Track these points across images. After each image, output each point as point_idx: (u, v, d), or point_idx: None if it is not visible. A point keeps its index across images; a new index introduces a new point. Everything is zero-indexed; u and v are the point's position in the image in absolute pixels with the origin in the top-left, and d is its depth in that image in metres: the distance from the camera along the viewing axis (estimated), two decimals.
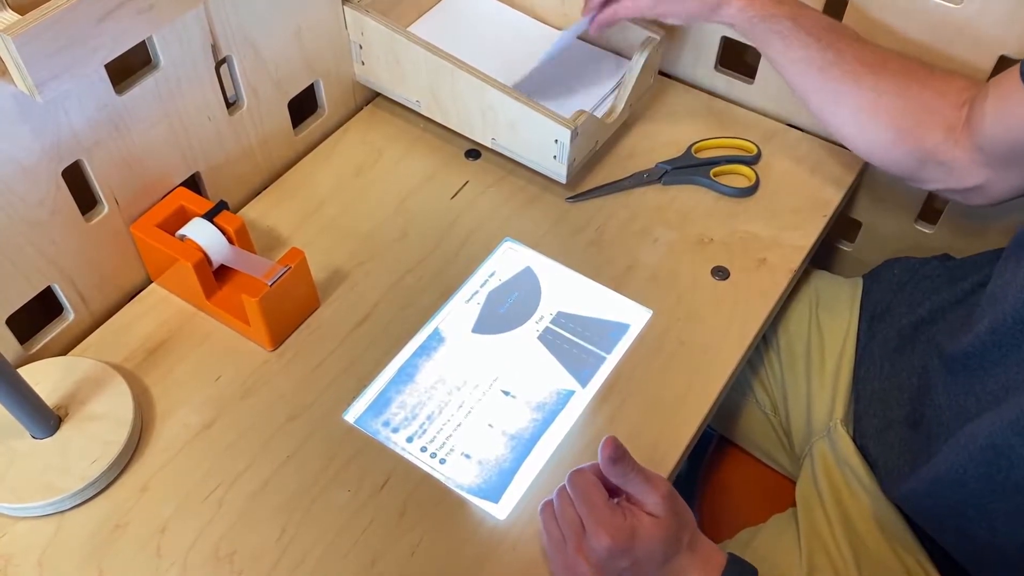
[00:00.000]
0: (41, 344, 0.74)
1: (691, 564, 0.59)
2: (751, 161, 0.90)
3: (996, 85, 0.68)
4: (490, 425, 0.70)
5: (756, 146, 0.91)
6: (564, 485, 0.61)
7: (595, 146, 0.87)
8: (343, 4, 0.86)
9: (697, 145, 0.91)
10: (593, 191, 0.87)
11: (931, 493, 0.65)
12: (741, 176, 0.88)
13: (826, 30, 0.76)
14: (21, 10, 0.58)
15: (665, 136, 0.93)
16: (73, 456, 0.66)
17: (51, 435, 0.67)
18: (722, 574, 0.58)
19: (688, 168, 0.89)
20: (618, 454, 0.58)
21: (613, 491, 0.60)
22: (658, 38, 0.88)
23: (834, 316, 0.85)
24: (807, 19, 0.76)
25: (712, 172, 0.88)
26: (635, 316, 0.78)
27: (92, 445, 0.67)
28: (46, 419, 0.66)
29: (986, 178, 0.71)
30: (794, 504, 0.81)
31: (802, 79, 0.77)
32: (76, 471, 0.65)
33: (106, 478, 0.66)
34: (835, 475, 0.77)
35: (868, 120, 0.75)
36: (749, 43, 0.79)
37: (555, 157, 0.83)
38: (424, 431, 0.70)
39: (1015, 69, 0.66)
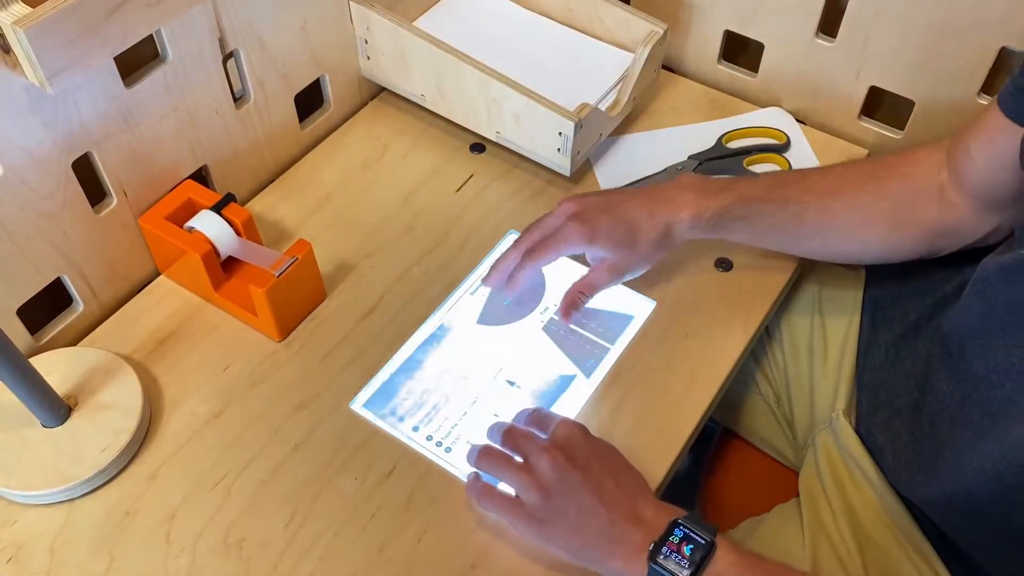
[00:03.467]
0: (51, 335, 0.74)
1: (646, 501, 0.60)
2: (782, 149, 0.90)
3: (977, 129, 0.68)
4: (495, 415, 0.71)
5: (785, 134, 0.91)
6: (474, 464, 0.65)
7: (599, 139, 0.88)
8: (349, 0, 0.87)
9: (727, 135, 0.91)
10: (628, 187, 0.87)
11: (939, 482, 0.65)
12: (775, 165, 0.89)
13: (774, 188, 0.75)
14: (32, 3, 0.59)
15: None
16: (83, 445, 0.67)
17: (61, 424, 0.68)
18: (687, 515, 0.59)
19: (721, 159, 0.89)
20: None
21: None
22: (661, 32, 0.88)
23: (837, 307, 0.85)
24: (753, 189, 0.75)
25: (745, 162, 0.88)
26: (639, 307, 0.78)
27: (102, 434, 0.67)
28: (56, 408, 0.67)
29: (998, 220, 0.71)
30: (797, 495, 0.81)
31: (783, 241, 0.77)
32: (87, 459, 0.66)
33: (116, 466, 0.67)
34: (838, 465, 0.77)
35: (863, 237, 0.75)
36: (711, 236, 0.76)
37: (559, 150, 0.83)
38: (430, 420, 0.71)
39: (992, 105, 0.66)
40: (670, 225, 0.73)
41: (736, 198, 0.74)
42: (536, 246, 0.73)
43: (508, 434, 0.65)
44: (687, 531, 0.57)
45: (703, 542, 0.57)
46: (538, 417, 0.67)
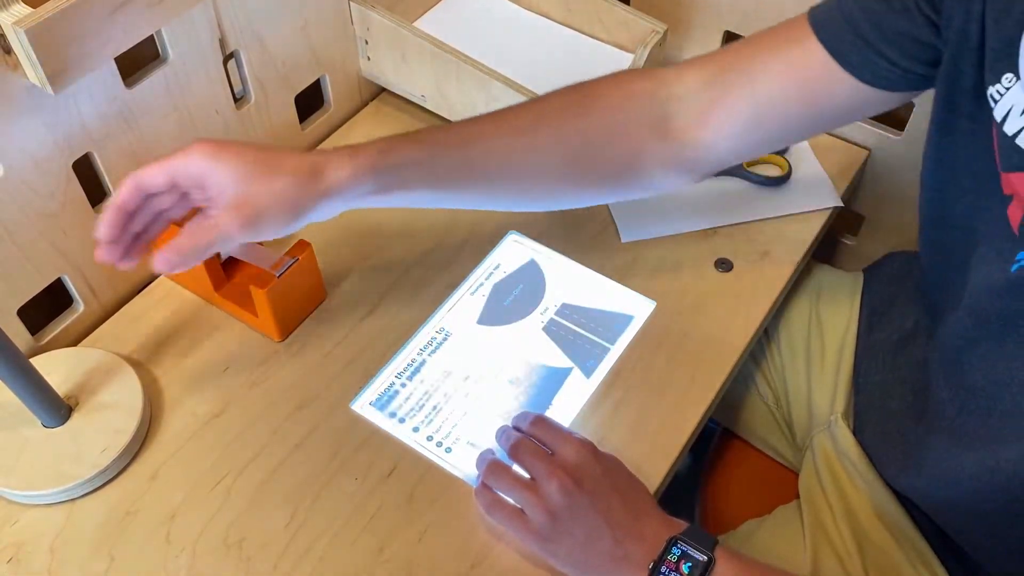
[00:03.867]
0: (51, 335, 0.74)
1: (650, 514, 0.60)
2: (782, 150, 0.90)
3: (784, 57, 0.62)
4: (497, 415, 0.71)
5: None
6: (483, 479, 0.64)
7: None
8: (349, 0, 0.87)
9: None
10: None
11: (935, 486, 0.65)
12: (774, 166, 0.89)
13: (445, 134, 0.65)
14: (33, 3, 0.59)
15: None
16: (84, 444, 0.67)
17: (62, 424, 0.68)
18: (686, 528, 0.59)
19: None
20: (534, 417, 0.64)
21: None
22: (661, 32, 0.88)
23: (835, 310, 0.86)
24: (422, 139, 0.64)
25: (744, 163, 0.88)
26: (639, 308, 0.78)
27: (102, 434, 0.67)
28: (57, 408, 0.67)
29: (722, 161, 0.67)
30: (797, 496, 0.81)
31: (465, 188, 0.66)
32: (87, 459, 0.66)
33: (116, 466, 0.67)
34: (836, 468, 0.77)
35: (560, 176, 0.68)
36: (378, 198, 0.63)
37: None
38: (430, 420, 0.71)
39: (804, 29, 0.61)
40: (317, 164, 0.59)
41: (406, 142, 0.63)
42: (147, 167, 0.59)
43: (516, 449, 0.64)
44: (685, 548, 0.57)
45: (701, 559, 0.57)
46: (545, 427, 0.65)
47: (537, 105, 0.68)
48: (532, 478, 0.62)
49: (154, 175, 0.58)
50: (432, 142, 0.64)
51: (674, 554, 0.57)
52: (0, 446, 0.67)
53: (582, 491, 0.59)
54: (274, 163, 0.58)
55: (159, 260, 0.57)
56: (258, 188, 0.57)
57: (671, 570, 0.57)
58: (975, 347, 0.62)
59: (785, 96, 0.64)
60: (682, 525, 0.60)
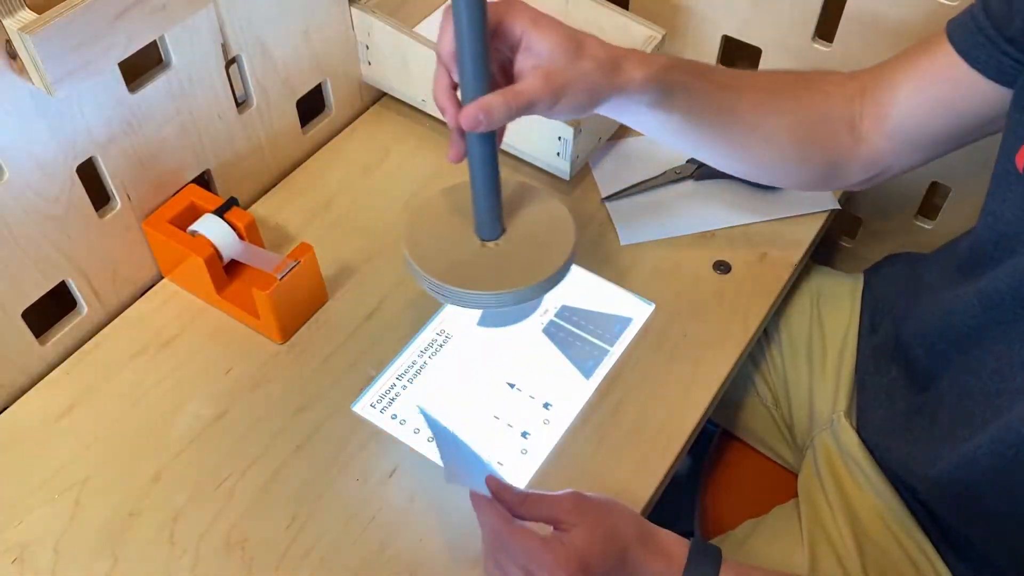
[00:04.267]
0: (56, 338, 0.75)
1: (650, 558, 0.58)
2: None
3: (912, 67, 0.66)
4: (496, 417, 0.72)
5: None
6: (493, 548, 0.59)
7: (598, 143, 0.89)
8: (350, 5, 0.87)
9: None
10: (627, 190, 0.88)
11: (948, 475, 0.66)
12: None
13: (711, 71, 0.69)
14: (38, 9, 0.59)
15: None
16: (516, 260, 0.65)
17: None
18: (687, 561, 0.58)
19: None
20: (517, 498, 0.58)
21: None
22: (659, 37, 0.89)
23: (835, 310, 0.86)
24: (695, 69, 0.68)
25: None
26: (638, 310, 0.79)
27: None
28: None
29: (888, 164, 0.71)
30: (796, 496, 0.82)
31: (710, 126, 0.69)
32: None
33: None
34: (838, 466, 0.78)
35: (783, 144, 0.71)
36: (643, 110, 0.66)
37: (559, 154, 0.84)
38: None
39: (941, 39, 0.65)
40: (618, 57, 0.62)
41: (683, 67, 0.66)
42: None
43: (507, 553, 0.58)
44: None
45: None
46: (530, 504, 0.60)
47: (773, 75, 0.73)
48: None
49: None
50: (701, 75, 0.67)
51: None
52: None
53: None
54: (583, 45, 0.60)
55: (467, 115, 0.57)
56: (567, 63, 0.59)
57: None
58: (986, 331, 0.63)
59: (925, 103, 0.66)
60: (683, 553, 0.59)
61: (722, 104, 0.68)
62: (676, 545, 0.60)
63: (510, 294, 0.64)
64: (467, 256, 0.66)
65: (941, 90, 0.66)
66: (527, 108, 0.58)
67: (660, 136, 0.70)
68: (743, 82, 0.70)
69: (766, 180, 0.77)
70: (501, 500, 0.59)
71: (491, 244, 0.67)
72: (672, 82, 0.64)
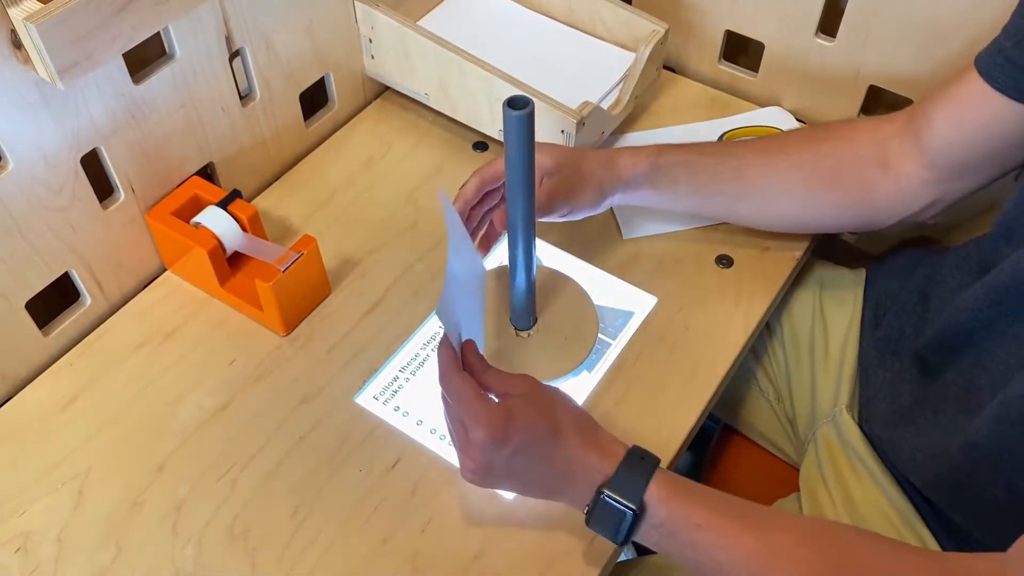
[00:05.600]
0: (59, 329, 0.75)
1: (584, 448, 0.58)
2: None
3: (944, 96, 0.69)
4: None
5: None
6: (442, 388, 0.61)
7: (601, 137, 0.89)
8: None
9: (728, 134, 0.92)
10: None
11: (951, 464, 0.66)
12: None
13: (708, 147, 0.76)
14: None
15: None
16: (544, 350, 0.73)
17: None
18: (622, 461, 0.58)
19: None
20: (481, 365, 0.62)
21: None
22: (662, 31, 0.89)
23: (838, 304, 0.86)
24: (689, 148, 0.76)
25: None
26: (640, 303, 0.79)
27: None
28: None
29: (939, 194, 0.72)
30: (797, 490, 0.82)
31: (721, 193, 0.76)
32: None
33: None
34: (840, 459, 0.78)
35: (804, 196, 0.75)
36: (649, 192, 0.75)
37: None
38: (434, 414, 0.71)
39: (967, 72, 0.67)
40: (611, 154, 0.74)
41: (676, 148, 0.75)
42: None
43: (447, 407, 0.61)
44: (611, 499, 0.56)
45: (627, 512, 0.56)
46: (490, 374, 0.62)
47: (782, 135, 0.80)
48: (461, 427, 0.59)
49: (494, 169, 0.71)
50: (698, 151, 0.76)
51: (602, 505, 0.57)
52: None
53: (509, 442, 0.57)
54: (583, 155, 0.73)
55: (502, 220, 0.68)
56: (572, 171, 0.71)
57: (603, 519, 0.57)
58: (993, 324, 0.63)
59: (961, 130, 0.68)
60: (620, 453, 0.58)
61: (723, 171, 0.75)
62: (614, 444, 0.59)
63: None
64: (506, 344, 0.74)
65: (973, 115, 0.67)
66: (549, 211, 0.70)
67: (679, 209, 0.79)
68: (745, 148, 0.76)
69: (803, 230, 0.81)
70: (466, 361, 0.61)
71: (524, 334, 0.75)
72: (665, 162, 0.74)
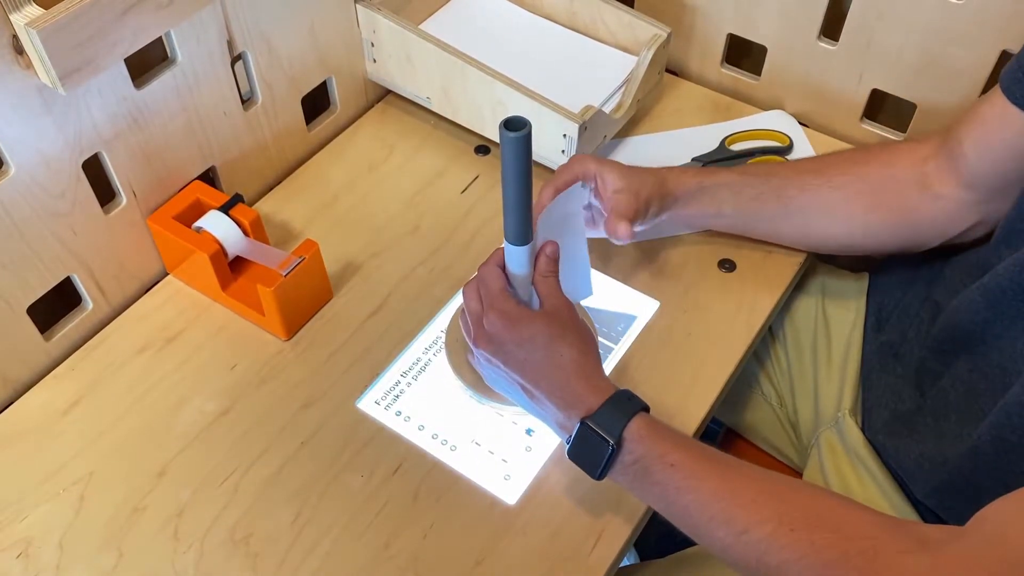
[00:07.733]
0: (61, 333, 0.75)
1: (577, 378, 0.60)
2: (784, 151, 0.91)
3: (972, 118, 0.69)
4: (500, 414, 0.72)
5: (788, 137, 0.92)
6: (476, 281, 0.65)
7: (603, 140, 0.89)
8: (355, 2, 0.87)
9: (730, 138, 0.92)
10: None
11: (953, 471, 0.66)
12: None
13: (752, 168, 0.78)
14: (45, 4, 0.59)
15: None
16: None
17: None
18: (608, 398, 0.59)
19: (723, 161, 0.90)
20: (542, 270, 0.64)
21: None
22: (664, 35, 0.89)
23: (841, 309, 0.86)
24: (733, 169, 0.78)
25: (748, 163, 0.89)
26: (642, 307, 0.79)
27: None
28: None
29: (983, 214, 0.72)
30: None
31: (764, 213, 0.78)
32: None
33: None
34: (843, 463, 0.78)
35: (843, 216, 0.76)
36: (695, 211, 0.78)
37: (563, 151, 0.84)
38: (435, 419, 0.71)
39: (994, 93, 0.67)
40: (662, 173, 0.76)
41: (721, 170, 0.78)
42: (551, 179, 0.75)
43: (465, 298, 0.66)
44: (591, 430, 0.58)
45: (607, 444, 0.58)
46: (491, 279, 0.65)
47: (823, 157, 0.80)
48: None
49: (565, 178, 0.74)
50: (742, 172, 0.78)
51: (582, 437, 0.59)
52: None
53: (516, 335, 0.61)
54: (637, 170, 0.75)
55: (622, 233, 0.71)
56: (633, 182, 0.73)
57: (582, 451, 0.59)
58: (990, 326, 0.63)
59: (991, 149, 0.68)
60: (608, 390, 0.60)
61: (766, 191, 0.77)
62: (607, 383, 0.61)
63: None
64: None
65: (1000, 134, 0.67)
66: (628, 216, 0.72)
67: (724, 229, 0.81)
68: (787, 169, 0.78)
69: (848, 251, 0.81)
70: (541, 257, 0.64)
71: None
72: (711, 183, 0.76)
